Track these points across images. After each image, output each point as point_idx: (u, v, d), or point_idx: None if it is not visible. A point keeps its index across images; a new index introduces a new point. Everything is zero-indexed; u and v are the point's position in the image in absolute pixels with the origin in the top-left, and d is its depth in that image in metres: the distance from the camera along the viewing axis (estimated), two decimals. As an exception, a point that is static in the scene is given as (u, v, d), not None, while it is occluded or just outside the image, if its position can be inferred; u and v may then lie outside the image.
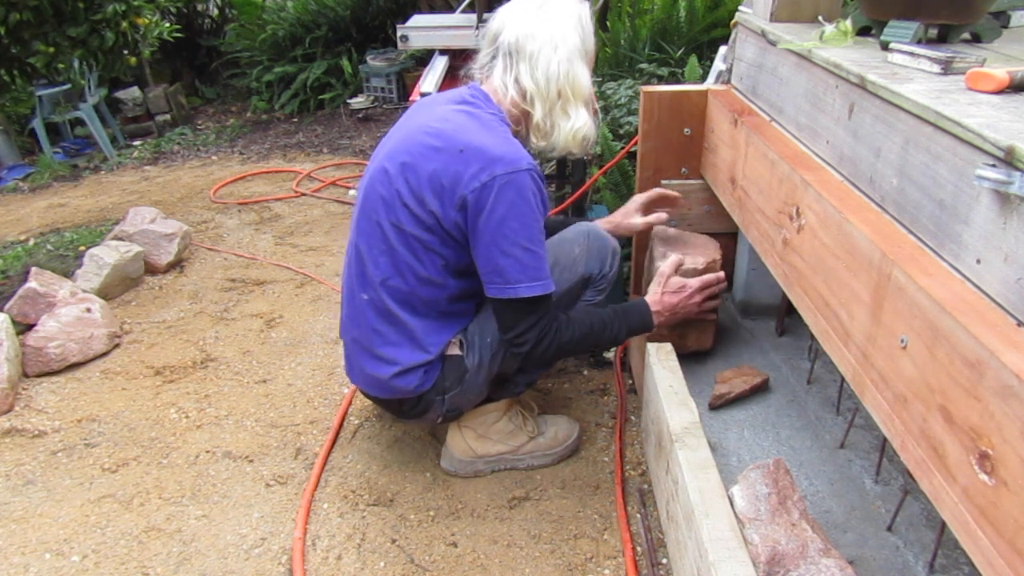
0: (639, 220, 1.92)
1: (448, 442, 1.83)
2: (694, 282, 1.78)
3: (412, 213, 1.52)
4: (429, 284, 1.59)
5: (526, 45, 1.52)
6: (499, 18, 1.57)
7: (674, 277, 1.77)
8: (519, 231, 1.47)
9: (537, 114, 1.56)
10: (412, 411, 1.72)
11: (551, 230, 1.81)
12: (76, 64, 4.79)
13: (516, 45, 1.53)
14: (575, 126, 1.56)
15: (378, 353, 1.64)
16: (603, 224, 1.91)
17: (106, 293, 2.72)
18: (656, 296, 1.74)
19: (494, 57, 1.58)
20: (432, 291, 1.60)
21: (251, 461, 1.92)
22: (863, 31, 1.57)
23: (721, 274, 1.83)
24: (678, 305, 1.75)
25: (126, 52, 3.57)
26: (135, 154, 5.02)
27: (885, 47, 1.40)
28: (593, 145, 1.62)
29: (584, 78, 1.56)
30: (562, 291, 1.66)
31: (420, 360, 1.63)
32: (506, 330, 1.57)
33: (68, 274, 2.74)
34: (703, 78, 2.81)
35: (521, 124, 1.61)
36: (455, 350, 1.66)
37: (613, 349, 2.25)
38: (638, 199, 1.95)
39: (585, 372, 2.26)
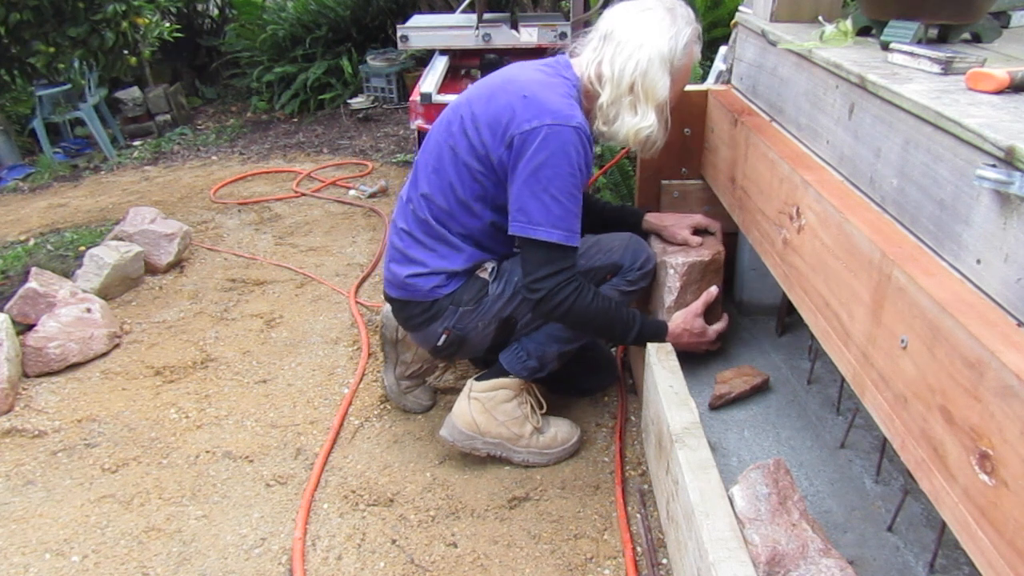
0: (687, 234, 1.93)
1: (454, 411, 1.85)
2: (713, 330, 1.87)
3: (469, 141, 1.65)
4: (466, 210, 1.71)
5: (617, 35, 1.64)
6: (610, 9, 1.70)
7: (699, 319, 1.83)
8: (552, 179, 1.56)
9: (604, 97, 1.65)
10: (420, 317, 1.80)
11: (609, 215, 2.01)
12: (76, 64, 4.78)
13: (610, 32, 1.66)
14: (640, 125, 1.64)
15: (408, 254, 1.77)
16: (650, 216, 2.01)
17: (106, 293, 2.72)
18: (677, 331, 1.81)
19: (592, 38, 1.71)
20: (468, 218, 1.72)
21: (251, 461, 1.92)
22: (863, 31, 1.57)
23: (714, 289, 1.89)
24: (690, 344, 1.84)
25: (126, 52, 3.56)
26: (135, 154, 5.02)
27: (885, 47, 1.40)
28: (656, 149, 1.71)
29: (661, 85, 1.63)
30: (590, 266, 1.76)
31: (445, 267, 1.74)
32: (526, 273, 1.64)
33: (68, 274, 2.73)
34: (703, 78, 2.81)
35: (592, 103, 1.70)
36: (484, 274, 1.77)
37: (614, 348, 2.25)
38: (697, 218, 1.97)
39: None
